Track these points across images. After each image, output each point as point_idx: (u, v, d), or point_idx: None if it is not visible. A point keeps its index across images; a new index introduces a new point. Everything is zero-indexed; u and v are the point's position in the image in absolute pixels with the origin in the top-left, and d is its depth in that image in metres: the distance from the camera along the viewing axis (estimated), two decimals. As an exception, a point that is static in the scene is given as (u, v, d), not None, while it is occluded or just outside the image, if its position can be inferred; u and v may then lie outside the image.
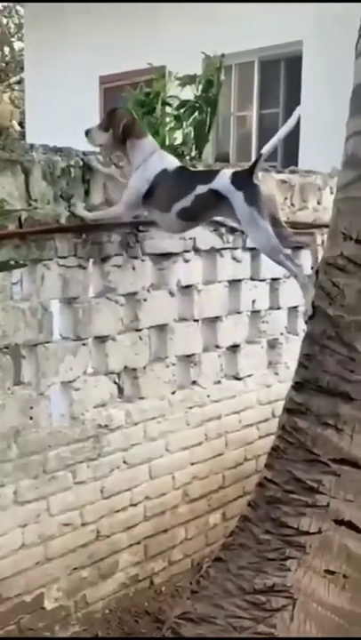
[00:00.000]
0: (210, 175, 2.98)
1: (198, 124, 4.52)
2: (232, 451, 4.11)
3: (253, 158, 2.89)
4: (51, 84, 10.77)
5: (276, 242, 2.83)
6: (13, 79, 17.87)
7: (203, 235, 3.73)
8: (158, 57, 6.27)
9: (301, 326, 3.63)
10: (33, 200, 2.93)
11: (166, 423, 3.66)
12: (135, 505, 3.55)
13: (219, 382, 3.98)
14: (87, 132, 3.12)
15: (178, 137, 4.45)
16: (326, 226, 2.94)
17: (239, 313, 4.06)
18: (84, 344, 3.21)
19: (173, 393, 3.71)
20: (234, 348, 4.06)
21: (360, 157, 2.66)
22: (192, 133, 4.50)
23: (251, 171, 2.84)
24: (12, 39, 19.30)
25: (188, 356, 3.78)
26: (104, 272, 3.29)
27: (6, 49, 19.44)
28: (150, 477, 3.61)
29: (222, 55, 4.89)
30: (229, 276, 3.95)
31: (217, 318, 3.91)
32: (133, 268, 3.40)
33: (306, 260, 3.37)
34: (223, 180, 2.88)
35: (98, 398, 3.31)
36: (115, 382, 3.41)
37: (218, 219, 3.51)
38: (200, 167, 3.62)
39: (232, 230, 3.81)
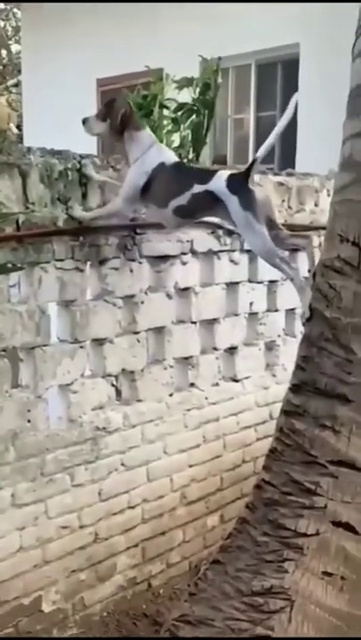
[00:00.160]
0: (207, 175, 2.97)
1: (196, 126, 4.53)
2: (230, 453, 4.11)
3: (250, 161, 2.88)
4: (48, 87, 10.78)
5: (271, 245, 2.83)
6: (11, 82, 17.88)
7: (200, 237, 3.73)
8: (156, 60, 6.28)
9: (299, 328, 3.64)
10: (30, 203, 2.93)
11: (164, 425, 3.67)
12: (133, 507, 3.55)
13: (216, 384, 3.99)
14: (84, 121, 3.11)
15: (175, 139, 4.46)
16: (323, 228, 2.94)
17: (237, 315, 4.06)
18: (81, 347, 3.21)
19: (171, 395, 3.71)
20: (231, 350, 4.06)
21: (357, 160, 2.66)
22: (189, 136, 4.51)
23: (246, 175, 2.83)
24: (10, 42, 19.31)
25: (186, 358, 3.79)
26: (101, 275, 3.30)
27: (4, 52, 19.46)
28: (148, 480, 3.61)
29: (219, 58, 4.90)
30: (227, 279, 3.96)
31: (214, 320, 3.92)
32: (131, 271, 3.41)
33: (303, 262, 3.38)
34: (219, 183, 2.88)
35: (95, 401, 3.32)
36: (112, 385, 3.41)
37: (215, 221, 3.52)
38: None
39: (229, 233, 3.81)
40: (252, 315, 4.18)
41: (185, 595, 2.78)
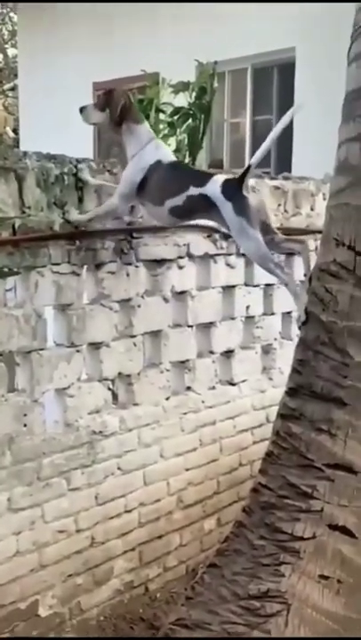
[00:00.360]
0: (203, 178, 2.96)
1: (192, 130, 4.54)
2: (227, 456, 4.11)
3: (247, 165, 2.88)
4: (44, 91, 10.80)
5: (265, 250, 2.83)
6: (7, 86, 17.91)
7: (196, 241, 3.74)
8: (152, 63, 6.30)
9: (295, 331, 3.65)
10: (26, 207, 2.94)
11: (161, 429, 3.67)
12: (130, 511, 3.54)
13: (213, 388, 3.99)
14: (82, 109, 3.11)
15: (172, 144, 4.46)
16: (320, 232, 2.95)
17: (233, 319, 4.07)
18: (78, 351, 3.21)
19: (168, 399, 3.71)
20: (228, 353, 4.06)
21: (352, 164, 2.67)
22: (186, 140, 4.52)
23: (240, 181, 2.82)
24: (6, 46, 19.34)
25: (183, 361, 3.79)
26: (98, 279, 3.30)
27: (0, 55, 19.47)
28: (145, 484, 3.61)
29: (215, 62, 4.92)
30: (223, 282, 3.96)
31: (211, 324, 3.92)
32: (127, 275, 3.41)
33: (299, 266, 3.38)
34: (214, 188, 2.87)
35: (92, 405, 3.31)
36: (109, 389, 3.41)
37: (211, 224, 3.52)
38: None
39: (226, 236, 3.81)
40: (249, 318, 4.18)
41: (182, 598, 2.78)
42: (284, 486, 2.57)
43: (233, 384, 4.11)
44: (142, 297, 3.50)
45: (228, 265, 3.96)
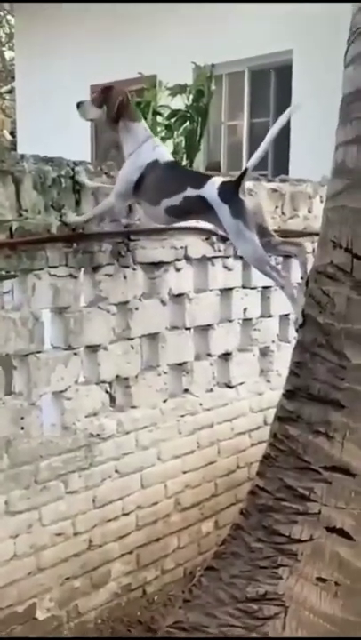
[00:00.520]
0: (201, 180, 2.96)
1: (189, 133, 4.56)
2: (224, 459, 4.11)
3: (243, 168, 2.88)
4: (42, 94, 10.80)
5: (262, 253, 2.83)
6: (4, 88, 17.92)
7: (194, 243, 3.74)
8: (149, 66, 6.31)
9: (293, 334, 3.65)
10: (24, 210, 2.94)
11: (158, 432, 3.66)
12: (127, 514, 3.54)
13: (211, 390, 3.99)
14: (79, 105, 3.11)
15: (169, 146, 4.47)
16: (317, 234, 2.95)
17: (231, 321, 4.07)
18: (75, 353, 3.21)
19: (165, 401, 3.71)
20: (226, 356, 4.06)
21: (349, 166, 2.67)
22: (183, 143, 4.53)
23: (237, 184, 2.82)
24: (3, 48, 19.35)
25: (180, 364, 3.79)
26: (95, 281, 3.30)
27: (-3, 58, 19.49)
28: (142, 486, 3.61)
29: (213, 65, 4.93)
30: (221, 285, 3.96)
31: (209, 326, 3.92)
32: (125, 277, 3.41)
33: (296, 269, 3.39)
34: (211, 190, 2.87)
35: (89, 407, 3.31)
36: (106, 391, 3.41)
37: (209, 227, 3.53)
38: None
39: (223, 239, 3.82)
40: (246, 320, 4.18)
41: (179, 601, 2.78)
42: (281, 489, 2.57)
43: (231, 386, 4.11)
44: (140, 299, 3.50)
45: (225, 267, 3.97)
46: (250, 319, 4.20)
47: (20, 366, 3.03)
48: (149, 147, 3.05)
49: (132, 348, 3.49)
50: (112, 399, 3.45)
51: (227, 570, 2.56)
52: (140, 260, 3.47)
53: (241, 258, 3.97)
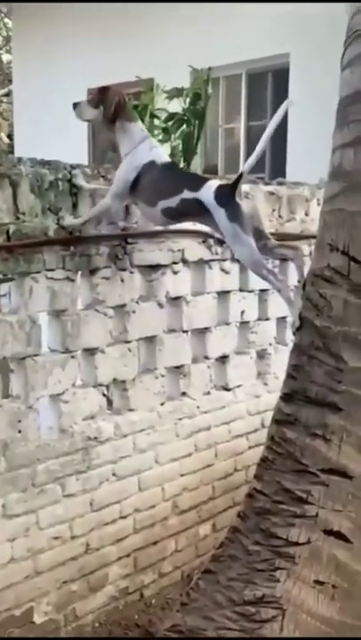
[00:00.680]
0: (198, 183, 2.96)
1: (186, 136, 4.56)
2: (222, 461, 4.11)
3: (240, 172, 2.88)
4: (39, 97, 10.81)
5: (259, 256, 2.83)
6: (1, 91, 17.93)
7: (191, 246, 3.74)
8: (146, 70, 6.31)
9: (290, 336, 3.65)
10: (21, 213, 2.94)
11: (156, 435, 3.66)
12: (125, 517, 3.54)
13: (208, 393, 3.99)
14: (75, 105, 3.11)
15: (166, 149, 4.48)
16: (314, 237, 2.95)
17: (228, 324, 4.07)
18: (72, 356, 3.21)
19: (163, 404, 3.71)
20: (223, 358, 4.06)
21: (346, 169, 2.67)
22: (180, 146, 4.54)
23: (233, 187, 2.82)
24: (1, 51, 19.35)
25: (178, 367, 3.79)
26: (92, 284, 3.30)
27: (-6, 61, 19.49)
28: (140, 489, 3.60)
29: (210, 68, 4.94)
30: (218, 288, 3.96)
31: (206, 329, 3.92)
32: (122, 280, 3.41)
33: (293, 272, 3.38)
34: (208, 194, 2.86)
35: (87, 411, 3.31)
36: (104, 394, 3.41)
37: (206, 229, 3.53)
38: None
39: (220, 242, 3.82)
40: (244, 323, 4.18)
41: (177, 604, 2.78)
42: (278, 491, 2.57)
43: (228, 389, 4.11)
44: (137, 302, 3.50)
45: (222, 270, 3.97)
46: (247, 322, 4.20)
47: (17, 369, 3.03)
48: (146, 147, 3.06)
49: (130, 350, 3.49)
50: (109, 402, 3.45)
51: (224, 573, 2.56)
52: (137, 263, 3.47)
53: (238, 261, 3.97)
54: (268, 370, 4.35)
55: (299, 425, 2.61)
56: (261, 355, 4.33)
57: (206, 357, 3.96)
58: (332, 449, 2.50)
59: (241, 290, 4.11)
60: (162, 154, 3.13)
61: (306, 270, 2.85)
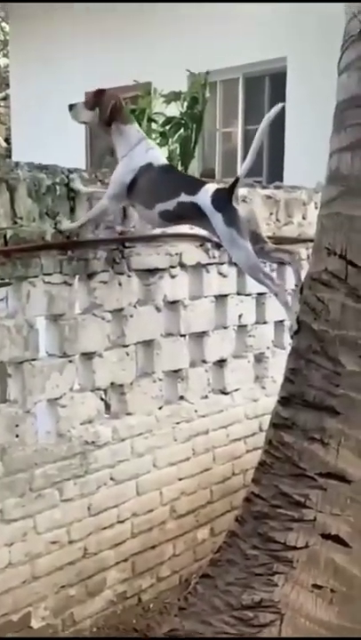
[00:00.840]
0: (195, 186, 2.95)
1: (184, 140, 4.56)
2: (220, 465, 4.11)
3: (236, 176, 2.88)
4: (36, 101, 10.81)
5: (256, 260, 2.84)
6: (-1, 96, 17.92)
7: (189, 250, 3.74)
8: (144, 73, 6.32)
9: (288, 340, 3.65)
10: (18, 218, 2.94)
11: (153, 439, 3.66)
12: (122, 522, 3.53)
13: (206, 397, 3.98)
14: (71, 107, 3.11)
15: (164, 153, 4.48)
16: (311, 240, 2.96)
17: (226, 328, 4.07)
18: (70, 361, 3.21)
19: (160, 408, 3.70)
20: (221, 362, 4.06)
21: (343, 173, 2.68)
22: (178, 150, 4.54)
23: (230, 192, 2.82)
24: (-2, 56, 19.37)
25: (175, 371, 3.78)
26: (90, 288, 3.29)
27: (-8, 65, 19.50)
28: (138, 494, 3.60)
29: (207, 72, 4.94)
30: (216, 291, 3.96)
31: (204, 333, 3.92)
32: (119, 284, 3.41)
33: (291, 275, 3.39)
34: (205, 198, 2.87)
35: (84, 415, 3.31)
36: (101, 399, 3.40)
37: (204, 233, 3.53)
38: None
39: (218, 246, 3.82)
40: (241, 327, 4.18)
41: (175, 609, 2.77)
42: (276, 496, 2.57)
43: (226, 393, 4.11)
44: (135, 306, 3.50)
45: (220, 274, 3.97)
46: (245, 326, 4.20)
47: (14, 374, 3.02)
48: (142, 149, 3.06)
49: (127, 354, 3.48)
50: (107, 406, 3.45)
51: (222, 577, 2.56)
52: (134, 267, 3.47)
53: (236, 264, 3.97)
54: (265, 373, 4.35)
55: (297, 429, 2.61)
56: (259, 358, 4.33)
57: (204, 361, 3.95)
58: (330, 453, 2.50)
59: (239, 293, 4.11)
60: (159, 156, 3.12)
61: (303, 274, 2.85)
